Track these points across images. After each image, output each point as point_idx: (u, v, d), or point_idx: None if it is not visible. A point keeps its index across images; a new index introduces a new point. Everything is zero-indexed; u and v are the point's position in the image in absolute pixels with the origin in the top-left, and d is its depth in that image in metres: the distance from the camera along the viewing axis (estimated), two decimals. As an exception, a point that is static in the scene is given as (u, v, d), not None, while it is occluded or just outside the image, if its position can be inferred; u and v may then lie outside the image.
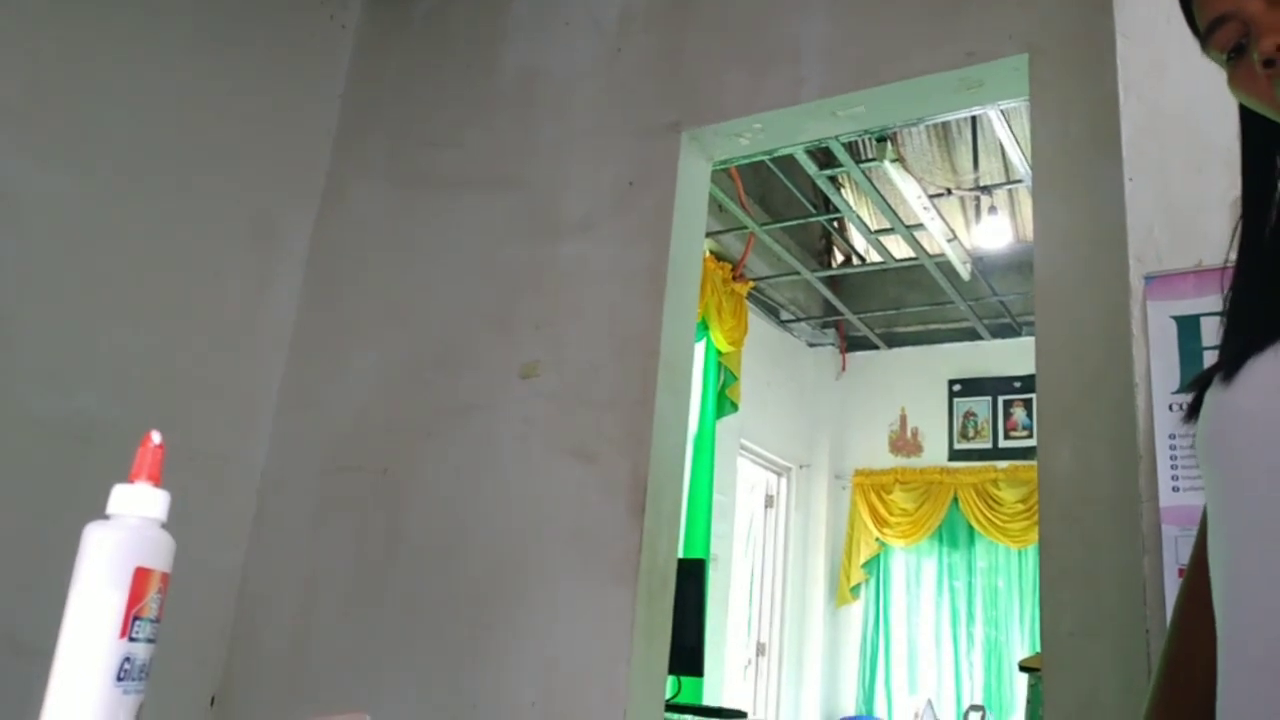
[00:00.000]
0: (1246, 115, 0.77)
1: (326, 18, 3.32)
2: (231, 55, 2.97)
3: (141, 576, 0.64)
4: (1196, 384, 0.77)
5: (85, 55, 2.60)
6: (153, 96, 2.75)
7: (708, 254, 4.92)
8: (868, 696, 6.37)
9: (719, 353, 5.08)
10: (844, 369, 6.92)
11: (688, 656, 3.35)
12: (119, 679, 0.62)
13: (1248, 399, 0.69)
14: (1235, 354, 0.71)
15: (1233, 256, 0.78)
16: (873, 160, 4.58)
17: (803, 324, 6.61)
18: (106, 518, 0.66)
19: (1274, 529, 0.65)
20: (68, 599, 0.63)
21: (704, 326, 4.85)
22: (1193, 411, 0.76)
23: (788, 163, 4.80)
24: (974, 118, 4.80)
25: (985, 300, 5.97)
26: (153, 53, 2.76)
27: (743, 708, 5.57)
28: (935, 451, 6.51)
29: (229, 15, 2.98)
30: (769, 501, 6.52)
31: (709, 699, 4.83)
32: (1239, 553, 0.68)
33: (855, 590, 6.53)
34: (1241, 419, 0.70)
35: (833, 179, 4.85)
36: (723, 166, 3.09)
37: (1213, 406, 0.73)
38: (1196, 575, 0.82)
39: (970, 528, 6.33)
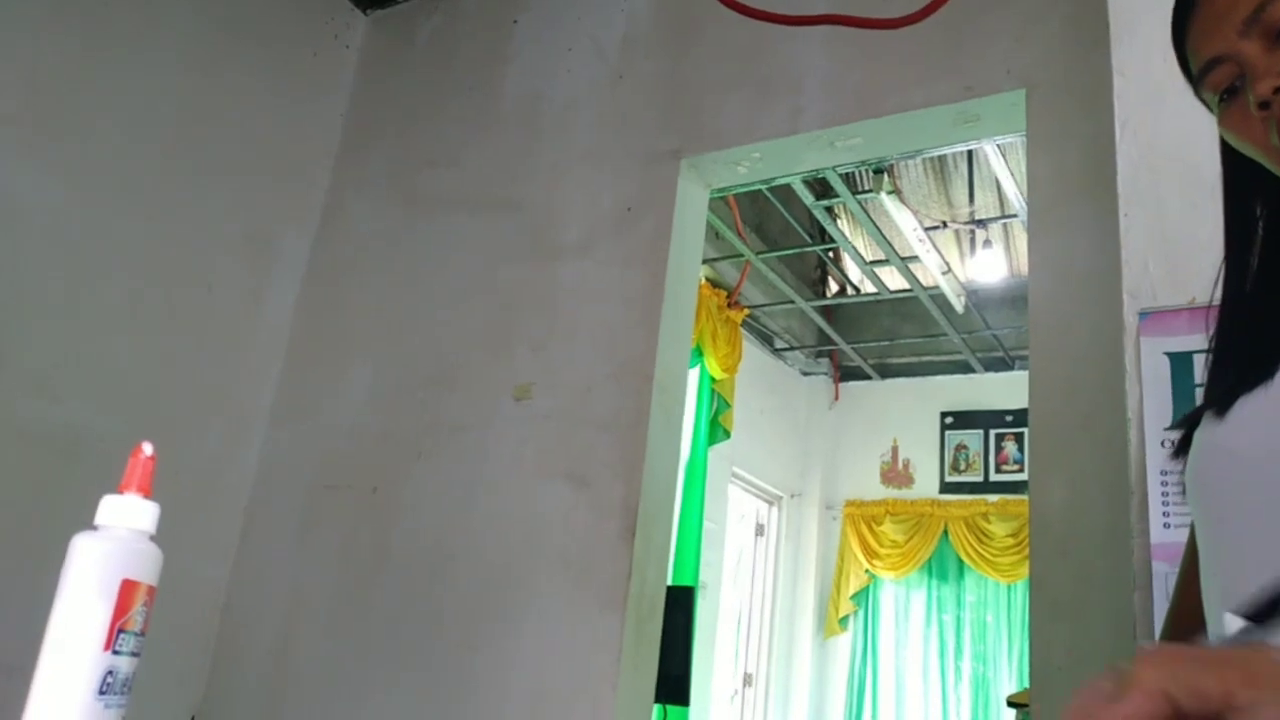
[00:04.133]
0: (1229, 158, 0.77)
1: (331, 37, 3.34)
2: (235, 71, 2.99)
3: (128, 589, 0.64)
4: (1186, 422, 0.77)
5: (86, 67, 2.61)
6: (153, 109, 2.76)
7: (703, 281, 4.93)
8: (854, 729, 6.32)
9: (712, 379, 5.08)
10: (837, 399, 6.92)
11: (674, 685, 3.32)
12: (101, 692, 0.62)
13: (1237, 437, 0.70)
14: (1225, 392, 0.72)
15: (1217, 297, 0.78)
16: (869, 192, 4.60)
17: (796, 353, 6.62)
18: (95, 528, 0.66)
19: (1264, 564, 0.65)
20: (52, 609, 0.63)
21: (698, 353, 4.85)
22: (1181, 448, 0.77)
23: (785, 192, 4.83)
24: (970, 152, 4.84)
25: (979, 333, 5.99)
26: (155, 66, 2.77)
27: (728, 738, 5.52)
28: (926, 483, 6.50)
29: (234, 32, 3.00)
30: (759, 530, 6.49)
31: (695, 728, 4.78)
32: (1231, 590, 0.68)
33: (844, 622, 6.49)
34: (1231, 457, 0.70)
35: (829, 209, 4.87)
36: (720, 194, 3.11)
37: (1203, 444, 0.73)
38: (1180, 602, 0.82)
39: (960, 561, 6.31)
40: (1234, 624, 0.42)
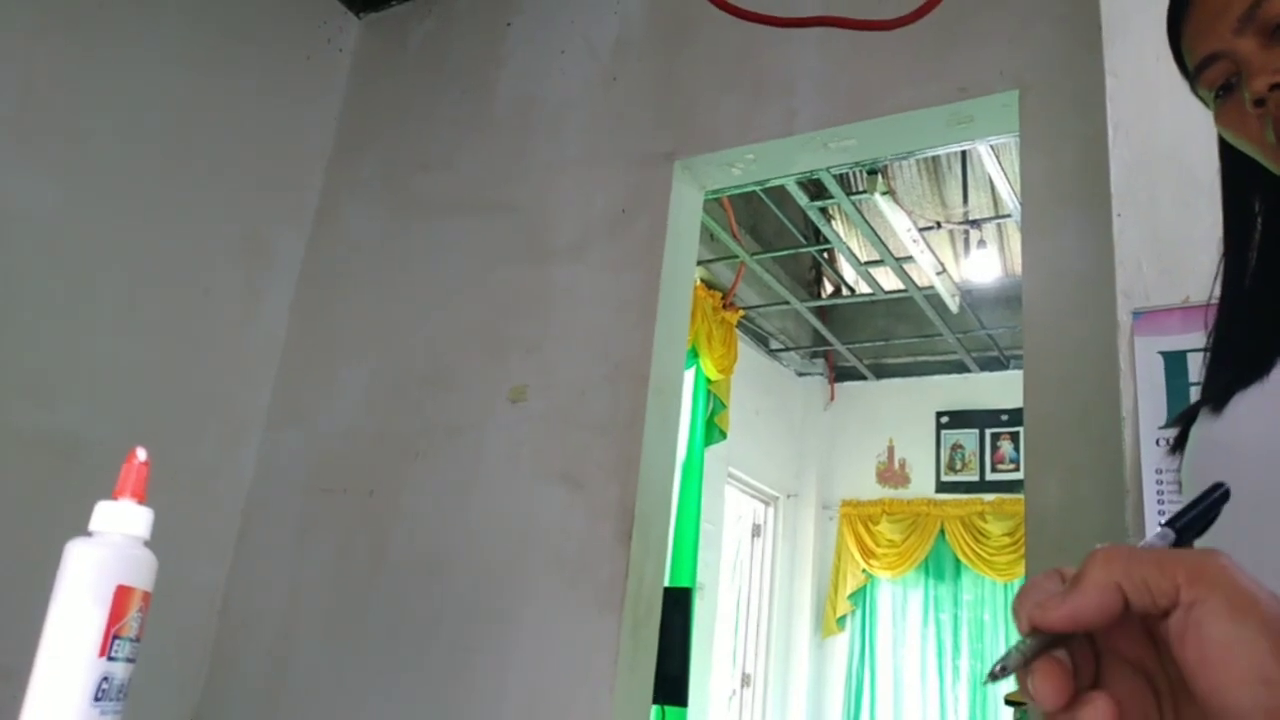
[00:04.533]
0: (1227, 155, 0.78)
1: (324, 41, 3.34)
2: (229, 75, 2.98)
3: (123, 595, 0.63)
4: (1182, 419, 0.77)
5: (80, 72, 2.60)
6: (148, 113, 2.75)
7: (698, 282, 4.93)
8: (852, 729, 6.32)
9: (708, 380, 5.08)
10: (832, 399, 6.92)
11: (672, 686, 3.32)
12: (97, 699, 0.61)
13: (1233, 433, 0.70)
14: (1222, 388, 0.72)
15: (1216, 293, 0.78)
16: (863, 192, 4.61)
17: (792, 354, 6.62)
18: (89, 534, 0.65)
19: (1260, 562, 0.66)
20: (47, 616, 0.63)
21: (694, 354, 4.85)
22: (1178, 445, 0.77)
23: (779, 193, 4.83)
24: (964, 152, 4.85)
25: (973, 333, 6.00)
26: (149, 70, 2.77)
27: (726, 739, 5.51)
28: (922, 483, 6.51)
29: (228, 36, 3.00)
30: (756, 531, 6.49)
31: (692, 730, 4.78)
32: None
33: (841, 621, 6.50)
34: (1227, 453, 0.70)
35: (823, 210, 4.88)
36: (715, 196, 3.11)
37: (1199, 440, 0.74)
38: None
39: (957, 560, 6.32)
40: (1165, 534, 0.43)
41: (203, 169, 2.88)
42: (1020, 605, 0.40)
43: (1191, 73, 0.74)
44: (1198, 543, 0.43)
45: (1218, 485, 0.42)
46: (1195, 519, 0.43)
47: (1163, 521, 0.44)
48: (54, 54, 2.55)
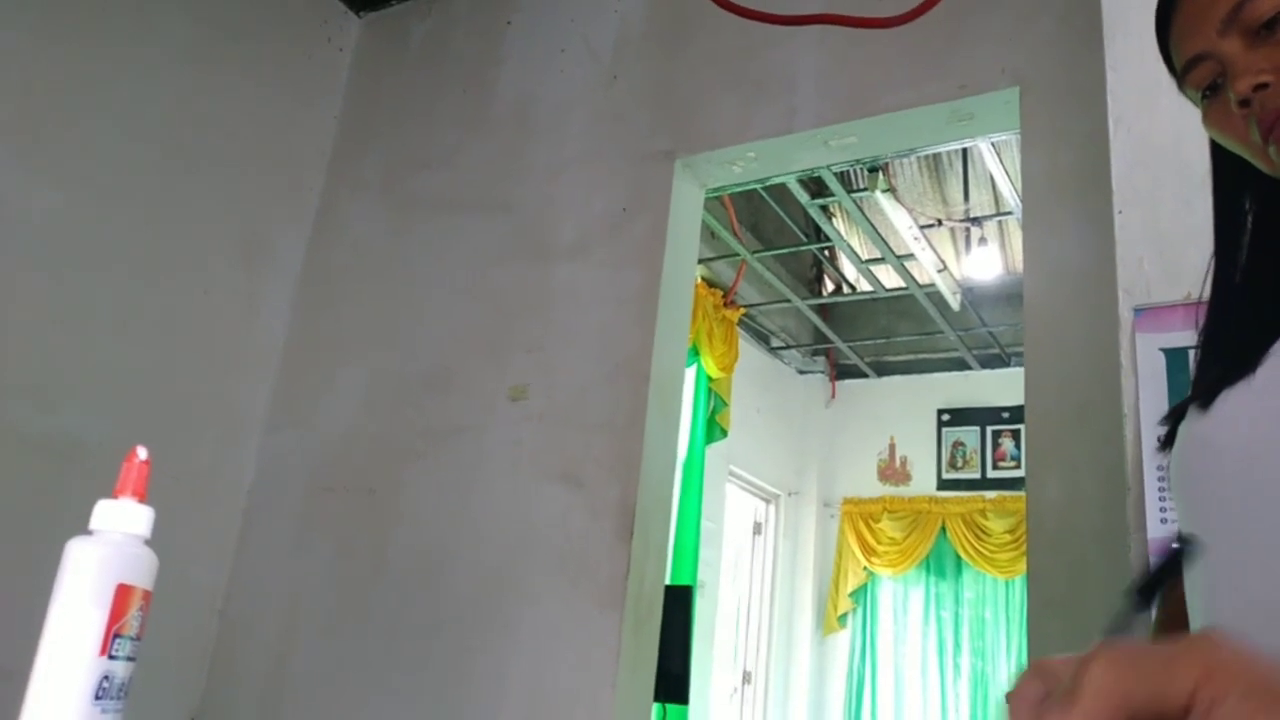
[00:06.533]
0: (1218, 154, 0.78)
1: (324, 40, 3.34)
2: (228, 75, 2.98)
3: (123, 594, 0.63)
4: (1172, 416, 0.78)
5: (80, 74, 2.60)
6: (148, 114, 2.75)
7: (699, 280, 4.93)
8: (854, 727, 6.32)
9: (709, 379, 5.08)
10: (833, 397, 6.92)
11: (673, 684, 3.32)
12: (97, 697, 0.61)
13: (1218, 430, 0.70)
14: (1210, 385, 0.72)
15: (1207, 292, 0.79)
16: (864, 190, 4.60)
17: (793, 351, 6.62)
18: (89, 533, 0.65)
19: (1245, 559, 0.66)
20: (47, 615, 0.63)
21: (695, 352, 4.85)
22: (1168, 442, 0.77)
23: (780, 191, 4.83)
24: (965, 150, 4.85)
25: (975, 331, 6.00)
26: (149, 71, 2.77)
27: (728, 737, 5.51)
28: (924, 481, 6.51)
29: (227, 36, 3.00)
30: (757, 529, 6.49)
31: (694, 728, 4.78)
32: (1214, 582, 0.69)
33: (842, 619, 6.50)
34: (1212, 450, 0.70)
35: (824, 208, 4.88)
36: (715, 194, 3.11)
37: (1185, 438, 0.74)
38: (1170, 596, 0.82)
39: (958, 557, 6.32)
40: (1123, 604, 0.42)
41: (202, 169, 2.88)
42: (1015, 712, 0.36)
43: (1179, 73, 0.74)
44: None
45: (1176, 549, 0.42)
46: (1156, 580, 0.43)
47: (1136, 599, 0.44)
48: (53, 54, 2.55)
